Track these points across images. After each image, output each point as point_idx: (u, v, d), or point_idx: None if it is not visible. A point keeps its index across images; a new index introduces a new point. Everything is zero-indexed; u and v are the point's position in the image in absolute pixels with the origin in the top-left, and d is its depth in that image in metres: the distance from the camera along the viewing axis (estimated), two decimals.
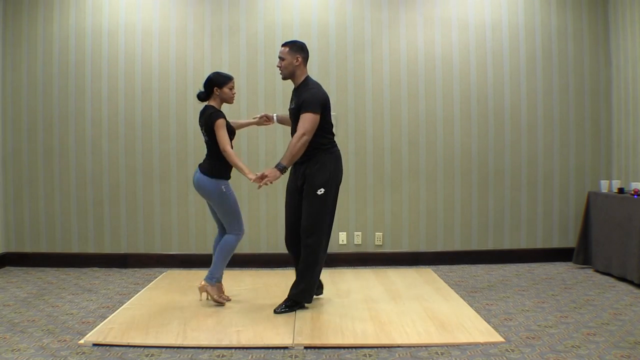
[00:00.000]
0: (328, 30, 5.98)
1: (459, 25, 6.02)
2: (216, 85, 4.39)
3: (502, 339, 3.60)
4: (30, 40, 5.98)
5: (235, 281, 5.26)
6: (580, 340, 3.58)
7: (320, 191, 4.18)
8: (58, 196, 5.99)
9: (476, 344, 3.53)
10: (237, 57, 5.98)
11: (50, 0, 5.96)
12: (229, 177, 4.43)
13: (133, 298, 4.68)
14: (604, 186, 5.69)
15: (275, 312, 4.21)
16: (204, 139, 4.46)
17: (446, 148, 6.02)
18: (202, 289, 4.48)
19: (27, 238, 6.02)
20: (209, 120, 4.30)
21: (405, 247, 6.03)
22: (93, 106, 5.98)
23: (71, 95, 5.98)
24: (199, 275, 5.50)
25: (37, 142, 5.99)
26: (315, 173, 4.20)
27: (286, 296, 4.33)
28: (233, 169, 4.39)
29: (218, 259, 4.43)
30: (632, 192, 5.17)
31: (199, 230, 5.99)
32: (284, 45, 4.33)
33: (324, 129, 4.24)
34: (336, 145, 4.36)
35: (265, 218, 5.95)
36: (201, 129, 4.45)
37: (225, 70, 5.95)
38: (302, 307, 4.29)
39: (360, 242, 6.00)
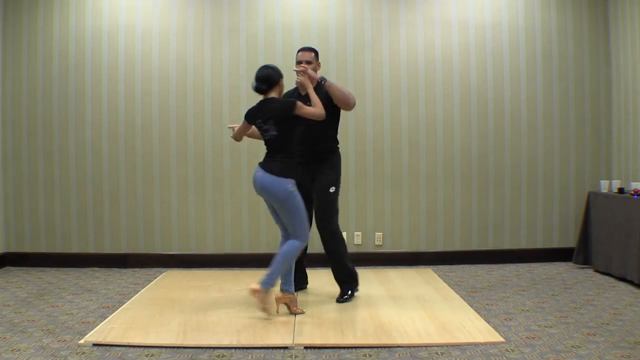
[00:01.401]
0: (328, 30, 5.98)
1: (459, 26, 6.02)
2: (281, 76, 4.23)
3: (502, 339, 3.60)
4: (30, 41, 5.98)
5: (235, 281, 5.26)
6: (580, 340, 3.57)
7: (332, 189, 4.52)
8: (58, 196, 5.99)
9: (476, 344, 3.53)
10: (237, 57, 5.98)
11: (50, 1, 5.96)
12: (295, 177, 4.17)
13: (133, 298, 4.68)
14: (604, 186, 5.69)
15: (339, 301, 4.49)
16: (266, 136, 4.19)
17: (446, 148, 6.02)
18: (281, 301, 4.17)
19: (27, 238, 6.02)
20: (284, 108, 4.11)
21: (405, 247, 6.03)
22: (93, 106, 5.98)
23: (71, 95, 5.99)
24: (199, 275, 5.51)
25: (37, 142, 5.99)
26: (328, 172, 4.53)
27: (340, 287, 4.60)
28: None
29: (278, 264, 4.09)
30: (632, 192, 5.17)
31: (198, 230, 5.99)
32: (308, 50, 4.57)
33: (336, 128, 4.65)
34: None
35: (265, 218, 5.95)
36: (264, 123, 4.17)
37: (225, 70, 5.96)
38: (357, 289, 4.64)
39: (360, 242, 6.00)
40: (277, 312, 4.16)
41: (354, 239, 5.99)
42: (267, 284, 4.03)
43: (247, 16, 5.99)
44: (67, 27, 5.97)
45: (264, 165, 4.17)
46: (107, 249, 6.00)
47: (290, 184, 4.09)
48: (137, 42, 5.97)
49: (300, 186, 4.33)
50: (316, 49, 4.73)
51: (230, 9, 5.99)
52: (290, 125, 4.15)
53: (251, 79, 5.96)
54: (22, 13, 5.98)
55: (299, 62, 4.51)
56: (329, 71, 5.94)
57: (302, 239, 4.15)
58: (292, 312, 4.15)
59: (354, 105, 4.52)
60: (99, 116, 5.98)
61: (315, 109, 4.19)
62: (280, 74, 4.26)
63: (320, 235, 4.52)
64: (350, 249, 5.96)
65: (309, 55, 4.52)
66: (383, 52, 5.99)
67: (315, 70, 4.51)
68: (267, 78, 4.20)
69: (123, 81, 5.97)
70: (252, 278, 5.35)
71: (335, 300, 4.53)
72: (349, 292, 4.56)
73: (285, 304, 4.19)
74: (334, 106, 4.49)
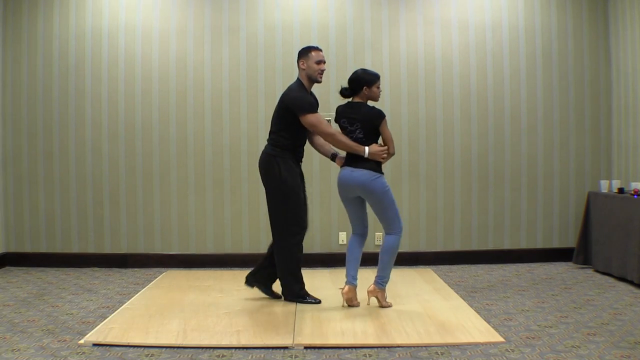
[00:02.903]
0: (328, 30, 5.98)
1: (459, 26, 6.02)
2: (366, 84, 4.29)
3: (502, 339, 3.60)
4: (30, 41, 5.98)
5: (235, 281, 5.26)
6: (580, 340, 3.57)
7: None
8: (58, 196, 5.99)
9: (476, 344, 3.53)
10: (237, 57, 5.98)
11: (50, 0, 5.96)
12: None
13: (133, 298, 4.68)
14: (604, 186, 5.68)
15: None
16: (353, 136, 4.29)
17: (446, 148, 6.02)
18: (371, 294, 4.33)
19: (27, 238, 6.02)
20: (376, 118, 4.26)
21: (405, 247, 6.02)
22: (93, 106, 5.98)
23: (71, 95, 5.99)
24: (199, 275, 5.51)
25: (37, 142, 5.99)
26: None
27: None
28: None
29: (385, 262, 4.34)
30: (632, 192, 5.17)
31: (198, 230, 5.99)
32: (320, 49, 4.51)
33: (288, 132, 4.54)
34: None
35: (265, 218, 5.94)
36: (351, 124, 4.30)
37: (225, 70, 5.96)
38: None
39: None
40: (368, 304, 4.38)
41: None
42: (382, 283, 4.35)
43: (247, 16, 5.99)
44: (67, 27, 5.97)
45: (354, 164, 4.28)
46: (107, 249, 6.00)
47: (385, 180, 4.30)
48: (137, 42, 5.97)
49: (302, 188, 4.51)
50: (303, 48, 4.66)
51: (230, 9, 5.99)
52: (373, 130, 4.30)
53: (251, 79, 6.02)
54: (22, 13, 5.98)
55: (319, 62, 4.44)
56: (329, 71, 5.93)
57: (398, 232, 4.39)
58: (382, 306, 4.33)
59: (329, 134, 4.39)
60: (99, 116, 5.98)
61: (390, 137, 4.34)
62: (370, 81, 4.29)
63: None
64: None
65: (323, 55, 4.51)
66: (383, 52, 5.99)
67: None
68: (355, 82, 4.31)
69: (123, 81, 5.97)
70: None
71: (333, 300, 4.52)
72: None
73: (376, 297, 4.36)
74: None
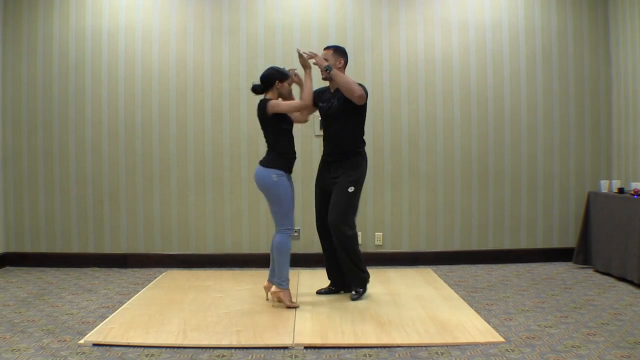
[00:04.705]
0: (328, 30, 5.98)
1: (459, 26, 6.02)
2: (278, 79, 4.37)
3: (502, 339, 3.60)
4: (30, 41, 5.98)
5: (235, 281, 5.26)
6: (580, 340, 3.58)
7: (351, 189, 4.48)
8: (58, 196, 5.99)
9: (476, 344, 3.53)
10: (237, 57, 5.98)
11: (50, 0, 5.96)
12: (285, 170, 4.37)
13: (133, 298, 4.68)
14: (604, 186, 5.68)
15: (353, 299, 4.51)
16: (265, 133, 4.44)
17: (446, 148, 6.02)
18: (274, 295, 4.37)
19: (27, 238, 6.02)
20: (260, 111, 4.34)
21: (405, 247, 6.03)
22: (93, 106, 5.98)
23: (71, 95, 5.99)
24: (199, 275, 5.51)
25: (37, 142, 5.99)
26: (349, 172, 4.52)
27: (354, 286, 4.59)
28: (291, 163, 4.45)
29: (278, 261, 4.33)
30: (632, 192, 5.17)
31: (198, 230, 5.99)
32: (326, 48, 4.65)
33: (362, 126, 4.69)
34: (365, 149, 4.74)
35: (265, 218, 5.95)
36: (260, 124, 4.44)
37: (225, 70, 5.96)
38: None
39: (360, 242, 5.98)
40: (267, 299, 4.51)
41: None
42: (280, 283, 4.33)
43: (247, 16, 5.99)
44: (67, 27, 5.97)
45: (260, 161, 4.45)
46: (107, 249, 6.00)
47: (275, 174, 4.30)
48: (137, 42, 5.97)
49: (318, 184, 4.66)
50: (341, 46, 4.73)
51: (230, 9, 5.99)
52: (269, 124, 4.34)
53: (251, 78, 6.00)
54: (22, 13, 5.98)
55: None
56: None
57: (284, 231, 4.33)
58: (287, 306, 4.31)
59: (359, 96, 4.42)
60: (99, 116, 5.98)
61: (294, 102, 4.38)
62: (283, 77, 4.38)
63: (333, 233, 4.49)
64: None
65: (326, 54, 4.57)
66: (383, 52, 5.99)
67: (335, 67, 4.51)
68: (265, 79, 4.39)
69: (123, 81, 5.97)
70: (252, 278, 5.37)
71: (333, 300, 4.53)
72: (360, 290, 4.57)
73: (278, 298, 4.37)
74: (357, 106, 4.52)
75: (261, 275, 5.51)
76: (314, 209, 4.76)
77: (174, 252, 6.00)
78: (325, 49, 4.67)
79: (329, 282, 4.81)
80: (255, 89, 4.43)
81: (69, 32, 5.97)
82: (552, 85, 6.06)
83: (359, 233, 5.98)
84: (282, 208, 4.32)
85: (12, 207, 6.02)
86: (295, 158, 4.45)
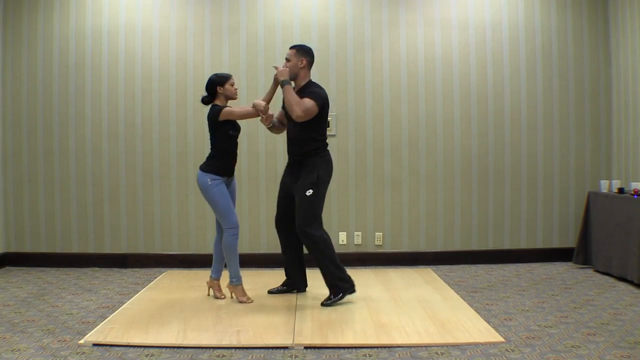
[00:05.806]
0: (328, 30, 5.98)
1: (459, 26, 6.02)
2: (218, 84, 4.54)
3: (502, 339, 3.60)
4: (30, 41, 5.98)
5: None
6: (580, 340, 3.58)
7: (309, 192, 4.44)
8: (58, 196, 5.99)
9: (476, 344, 3.53)
10: (237, 57, 5.98)
11: (50, 0, 5.96)
12: (222, 174, 4.54)
13: (133, 298, 4.68)
14: (604, 186, 5.68)
15: (322, 304, 4.39)
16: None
17: (446, 148, 6.02)
18: (230, 290, 4.62)
19: (27, 238, 6.02)
20: (211, 116, 4.50)
21: (405, 247, 6.03)
22: (93, 106, 5.98)
23: (71, 95, 5.99)
24: (199, 275, 5.50)
25: (37, 142, 5.99)
26: (306, 175, 4.47)
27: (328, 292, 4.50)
28: (230, 168, 4.63)
29: (226, 260, 4.59)
30: (632, 192, 5.17)
31: (199, 230, 5.99)
32: (291, 47, 4.61)
33: (319, 130, 4.53)
34: (327, 150, 4.60)
35: (265, 217, 5.95)
36: (208, 128, 4.62)
37: (225, 70, 5.95)
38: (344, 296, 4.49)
39: (360, 242, 5.99)
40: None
41: (354, 239, 5.99)
42: (231, 279, 4.57)
43: (247, 16, 5.99)
44: (67, 27, 5.97)
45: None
46: (107, 249, 6.00)
47: (209, 178, 4.47)
48: (137, 42, 5.96)
49: (281, 181, 4.72)
50: (306, 45, 4.66)
51: (230, 8, 5.99)
52: (217, 129, 4.53)
53: (251, 78, 6.01)
54: (22, 13, 5.97)
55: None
56: (329, 71, 5.94)
57: (227, 229, 4.51)
58: (240, 301, 4.52)
59: (297, 117, 4.35)
60: (99, 115, 5.98)
61: (246, 109, 4.55)
62: (222, 81, 4.55)
63: (302, 240, 4.51)
64: (350, 249, 5.98)
65: (290, 53, 4.57)
66: (383, 52, 5.99)
67: (296, 66, 4.51)
68: (207, 87, 4.59)
69: (123, 80, 5.97)
70: (252, 278, 5.36)
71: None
72: (334, 297, 4.40)
73: (232, 294, 4.61)
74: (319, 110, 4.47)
75: (261, 275, 5.51)
76: None
77: (174, 252, 6.00)
78: (290, 48, 4.61)
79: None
80: (204, 100, 4.64)
81: (69, 32, 5.97)
82: (552, 85, 6.06)
83: (359, 233, 5.98)
84: (218, 209, 4.50)
85: (12, 207, 6.02)
86: (235, 162, 4.64)
